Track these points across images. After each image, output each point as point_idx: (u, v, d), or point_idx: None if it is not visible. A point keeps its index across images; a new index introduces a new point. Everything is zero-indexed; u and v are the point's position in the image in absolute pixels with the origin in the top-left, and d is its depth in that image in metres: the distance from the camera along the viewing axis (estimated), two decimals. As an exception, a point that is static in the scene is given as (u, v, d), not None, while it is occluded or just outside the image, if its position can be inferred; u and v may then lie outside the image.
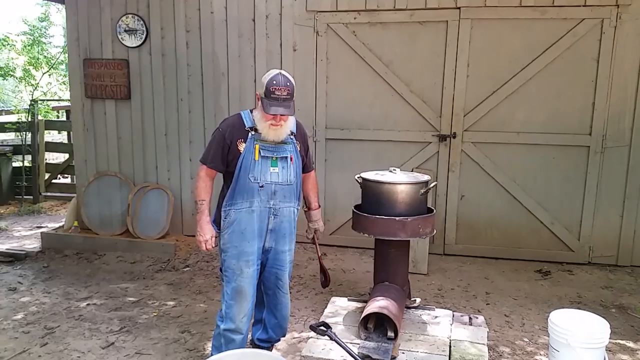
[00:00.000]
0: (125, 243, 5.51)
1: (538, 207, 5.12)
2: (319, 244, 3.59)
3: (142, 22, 5.48)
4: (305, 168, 3.18)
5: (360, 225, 3.33)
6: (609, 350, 3.29)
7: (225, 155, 2.87)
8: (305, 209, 3.34)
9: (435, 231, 3.41)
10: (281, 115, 2.78)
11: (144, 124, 5.70)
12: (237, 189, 2.87)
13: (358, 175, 3.44)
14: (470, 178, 5.21)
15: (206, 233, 2.93)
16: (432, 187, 3.34)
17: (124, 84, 5.58)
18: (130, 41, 5.53)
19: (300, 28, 5.29)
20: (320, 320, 2.97)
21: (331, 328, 2.54)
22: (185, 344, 3.58)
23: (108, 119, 5.75)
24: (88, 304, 4.24)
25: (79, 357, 3.42)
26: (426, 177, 3.35)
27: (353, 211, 3.40)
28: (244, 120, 2.90)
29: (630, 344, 3.58)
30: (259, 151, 2.84)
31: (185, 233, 5.80)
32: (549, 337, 3.10)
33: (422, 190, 3.26)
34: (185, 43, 5.50)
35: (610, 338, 3.02)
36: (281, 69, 5.28)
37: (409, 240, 3.41)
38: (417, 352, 3.00)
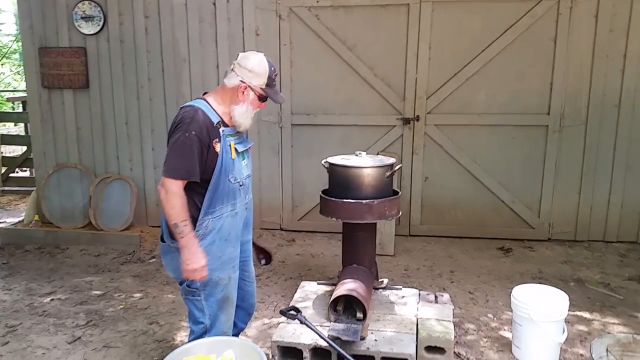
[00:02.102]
0: (88, 236, 5.39)
1: (499, 186, 5.25)
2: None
3: (99, 8, 5.31)
4: None
5: (328, 209, 3.35)
6: (568, 322, 3.42)
7: (203, 162, 2.43)
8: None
9: (400, 213, 3.46)
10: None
11: (104, 113, 5.55)
12: (217, 194, 2.49)
13: (325, 160, 3.45)
14: (433, 160, 5.29)
15: (201, 259, 2.43)
16: (397, 169, 3.38)
17: (82, 72, 5.41)
18: (88, 28, 5.35)
19: (263, 12, 5.22)
20: (290, 305, 2.98)
21: (301, 312, 2.56)
22: (153, 335, 3.56)
23: (66, 109, 5.57)
24: (52, 299, 4.15)
25: (43, 353, 3.34)
26: (391, 160, 3.39)
27: (321, 196, 3.42)
28: (209, 116, 2.48)
29: (587, 315, 3.75)
30: (235, 148, 2.54)
31: (149, 224, 5.71)
32: (512, 312, 3.23)
33: (388, 173, 3.30)
34: (144, 29, 5.36)
35: (569, 310, 3.16)
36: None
37: (375, 223, 3.47)
38: (386, 331, 3.07)
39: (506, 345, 3.31)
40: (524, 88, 5.07)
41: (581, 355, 3.21)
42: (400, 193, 3.47)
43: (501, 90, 5.10)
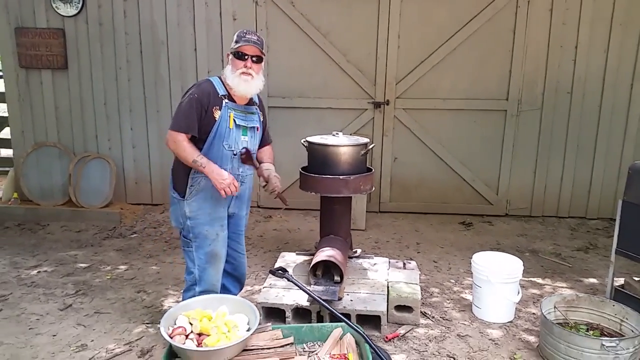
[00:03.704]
0: (68, 213, 5.51)
1: (461, 166, 5.64)
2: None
3: (77, -11, 5.37)
4: (264, 140, 3.24)
5: (308, 184, 3.64)
6: (523, 287, 3.80)
7: (200, 121, 2.82)
8: (256, 167, 3.19)
9: (374, 188, 3.78)
10: (252, 58, 2.84)
11: (83, 93, 5.64)
12: (210, 156, 2.84)
13: (304, 140, 3.73)
14: (402, 142, 5.63)
15: (227, 175, 2.82)
16: (371, 148, 3.69)
17: (61, 53, 5.48)
18: (66, 10, 5.41)
19: (240, -3, 5.41)
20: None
21: (288, 271, 2.85)
22: (142, 302, 3.76)
23: (45, 89, 5.63)
24: (39, 272, 4.29)
25: (37, 319, 3.50)
26: (366, 140, 3.70)
27: (300, 172, 3.70)
28: (216, 87, 2.88)
29: (540, 280, 4.17)
30: (234, 119, 2.87)
31: (129, 201, 5.88)
32: (472, 276, 3.60)
33: (363, 152, 3.61)
34: (122, 11, 5.45)
35: (523, 277, 3.55)
36: (221, 38, 5.44)
37: (351, 197, 3.78)
38: (360, 293, 3.40)
39: (467, 306, 3.69)
40: (486, 75, 5.45)
41: (533, 314, 3.60)
42: (373, 170, 3.79)
43: (464, 77, 5.47)
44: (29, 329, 3.37)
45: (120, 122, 5.72)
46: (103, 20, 5.48)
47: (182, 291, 3.28)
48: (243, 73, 2.84)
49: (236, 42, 2.88)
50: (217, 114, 2.82)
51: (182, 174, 2.95)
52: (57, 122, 5.71)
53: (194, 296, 3.00)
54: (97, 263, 4.48)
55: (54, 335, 3.29)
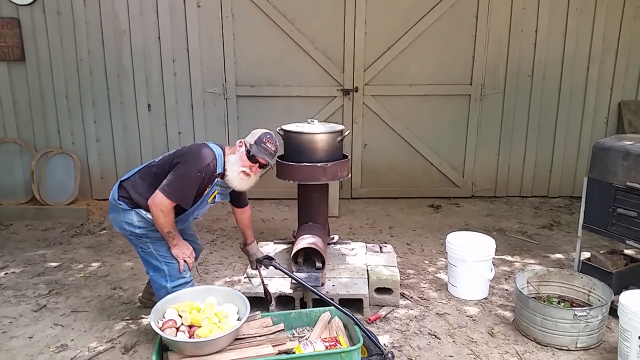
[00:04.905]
0: (32, 211, 5.33)
1: (429, 150, 5.77)
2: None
3: (30, -23, 5.15)
4: (241, 202, 3.25)
5: (285, 173, 3.65)
6: (494, 264, 3.94)
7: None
8: (242, 245, 3.37)
9: (350, 174, 3.82)
10: (261, 167, 2.94)
11: (42, 86, 5.44)
12: (177, 218, 2.92)
13: (279, 128, 3.72)
14: (371, 128, 5.70)
15: (188, 247, 2.97)
16: (347, 135, 3.72)
17: (17, 44, 5.25)
18: (20, -2, 5.19)
19: (204, -16, 5.32)
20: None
21: (275, 259, 2.88)
22: (119, 299, 3.69)
23: (1, 82, 5.39)
24: (6, 273, 4.14)
25: (10, 322, 3.38)
26: (341, 127, 3.73)
27: (277, 161, 3.70)
28: (218, 166, 2.91)
29: (509, 258, 4.34)
30: (215, 195, 2.97)
31: (95, 197, 5.74)
32: (446, 255, 3.71)
33: (339, 139, 3.64)
34: (82, 0, 5.27)
35: (494, 255, 3.68)
36: (186, 25, 5.34)
37: (328, 184, 3.81)
38: (341, 278, 3.46)
39: (443, 285, 3.81)
40: (450, 61, 5.57)
41: (506, 289, 3.76)
42: (348, 157, 3.83)
43: (429, 63, 5.56)
44: (2, 332, 3.25)
45: (83, 116, 5.56)
46: (61, 9, 5.28)
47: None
48: (244, 172, 2.92)
49: (257, 144, 2.91)
50: (206, 190, 2.90)
51: (144, 201, 2.90)
52: (16, 117, 5.49)
53: (167, 294, 2.93)
54: (68, 261, 4.37)
55: (31, 337, 3.19)
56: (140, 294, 3.55)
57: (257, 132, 2.98)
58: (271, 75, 5.54)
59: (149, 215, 2.86)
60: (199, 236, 3.48)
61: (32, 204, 5.44)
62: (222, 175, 2.93)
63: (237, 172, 2.90)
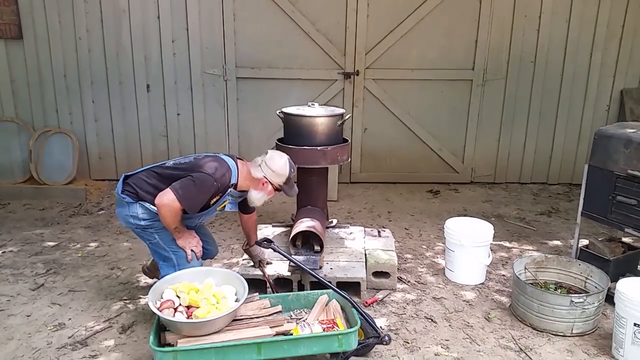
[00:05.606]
0: (30, 190, 5.31)
1: (429, 136, 5.74)
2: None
3: (28, -47, 5.07)
4: (249, 209, 3.24)
5: (284, 155, 3.62)
6: (491, 250, 3.95)
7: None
8: (245, 246, 3.37)
9: (350, 158, 3.80)
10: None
11: (40, 65, 5.37)
12: (185, 220, 2.94)
13: (279, 111, 3.69)
14: (371, 112, 5.67)
15: (194, 236, 2.99)
16: (347, 118, 3.70)
17: (14, 22, 5.18)
18: (17, -26, 5.11)
19: (204, -37, 5.24)
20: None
21: (273, 242, 2.88)
22: (117, 279, 3.71)
23: (-2, 60, 5.36)
24: (4, 252, 4.14)
25: (8, 300, 3.39)
26: (342, 110, 3.70)
27: (277, 144, 3.68)
28: (232, 177, 2.92)
29: (507, 244, 4.35)
30: (225, 205, 3.01)
31: (93, 177, 5.72)
32: (444, 240, 3.72)
33: (339, 122, 3.61)
34: (80, -23, 5.21)
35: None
36: (186, 5, 5.27)
37: (327, 168, 3.79)
38: (339, 261, 3.46)
39: (440, 270, 3.82)
40: (452, 45, 5.51)
41: (503, 275, 3.77)
42: (349, 140, 3.81)
43: (432, 47, 5.51)
44: (0, 310, 3.26)
45: (81, 95, 5.51)
46: (59, -13, 5.21)
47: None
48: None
49: (287, 184, 3.00)
50: (216, 198, 2.91)
51: (151, 198, 2.90)
52: (14, 96, 5.44)
53: None
54: (66, 241, 4.37)
55: (28, 316, 3.20)
56: (146, 262, 3.58)
57: (279, 169, 2.95)
58: (271, 57, 5.49)
59: (152, 207, 2.85)
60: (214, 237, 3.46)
61: (29, 183, 5.42)
62: (235, 186, 2.95)
63: (262, 201, 3.03)
